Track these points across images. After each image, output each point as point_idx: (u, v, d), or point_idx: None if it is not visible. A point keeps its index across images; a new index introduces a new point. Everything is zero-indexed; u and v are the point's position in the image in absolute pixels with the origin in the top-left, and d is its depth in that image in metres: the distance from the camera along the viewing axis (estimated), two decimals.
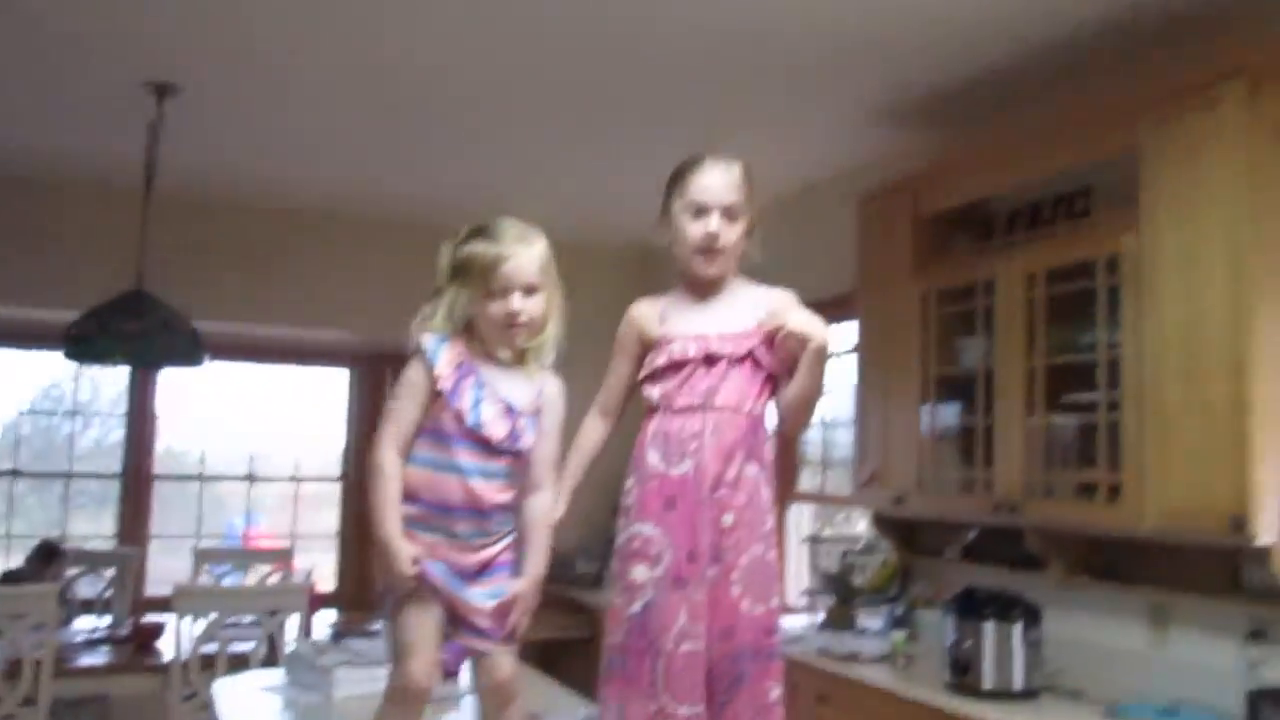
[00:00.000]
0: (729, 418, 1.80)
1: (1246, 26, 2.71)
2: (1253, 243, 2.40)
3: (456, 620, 1.81)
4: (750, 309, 1.87)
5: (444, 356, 1.80)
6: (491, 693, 1.85)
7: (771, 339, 1.84)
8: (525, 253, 1.81)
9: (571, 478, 1.95)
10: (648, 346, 1.92)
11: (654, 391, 1.87)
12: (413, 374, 1.81)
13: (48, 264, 4.79)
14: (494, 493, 1.81)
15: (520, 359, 1.86)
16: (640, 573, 1.79)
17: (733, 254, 1.88)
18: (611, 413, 1.98)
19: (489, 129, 4.00)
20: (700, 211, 1.85)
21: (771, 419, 1.88)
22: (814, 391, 1.84)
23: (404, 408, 1.80)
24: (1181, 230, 2.57)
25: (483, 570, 1.82)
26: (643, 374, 1.89)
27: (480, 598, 1.81)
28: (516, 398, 1.82)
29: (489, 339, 1.83)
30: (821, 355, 1.80)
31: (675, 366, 1.84)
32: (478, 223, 1.85)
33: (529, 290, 1.81)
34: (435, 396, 1.79)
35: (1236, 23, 2.74)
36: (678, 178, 1.90)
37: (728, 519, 1.77)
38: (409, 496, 1.80)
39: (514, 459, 1.82)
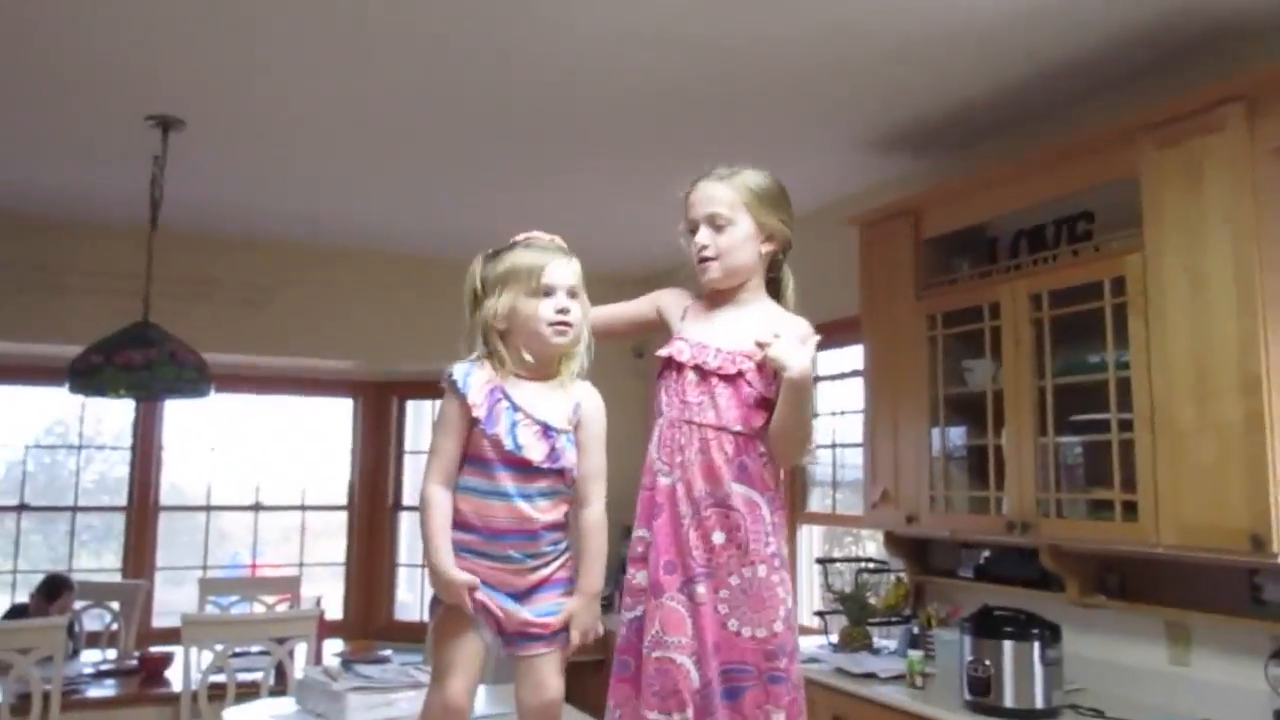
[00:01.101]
0: (714, 437, 1.79)
1: (1245, 50, 2.76)
2: (1260, 261, 2.43)
3: (511, 638, 1.81)
4: (758, 329, 1.84)
5: (474, 384, 1.80)
6: (536, 713, 1.84)
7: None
8: (566, 259, 1.85)
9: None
10: (660, 328, 1.98)
11: (660, 392, 1.89)
12: (447, 408, 1.82)
13: (54, 300, 4.82)
14: (541, 513, 1.81)
15: (552, 372, 1.86)
16: (636, 577, 1.83)
17: (731, 262, 1.88)
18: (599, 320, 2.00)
19: (490, 162, 4.03)
20: (693, 228, 1.90)
21: (766, 444, 1.84)
22: (792, 424, 1.79)
23: (442, 442, 1.81)
24: (1187, 251, 2.59)
25: (535, 589, 1.82)
26: (657, 359, 1.91)
27: (535, 615, 1.81)
28: (553, 416, 1.82)
29: (528, 346, 1.82)
30: (797, 388, 1.74)
31: (674, 367, 1.86)
32: (506, 242, 1.88)
33: (572, 294, 1.83)
34: (472, 424, 1.79)
35: (1234, 46, 2.79)
36: (683, 199, 1.95)
37: (718, 537, 1.77)
38: (460, 525, 1.79)
39: (557, 477, 1.82)
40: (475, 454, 1.80)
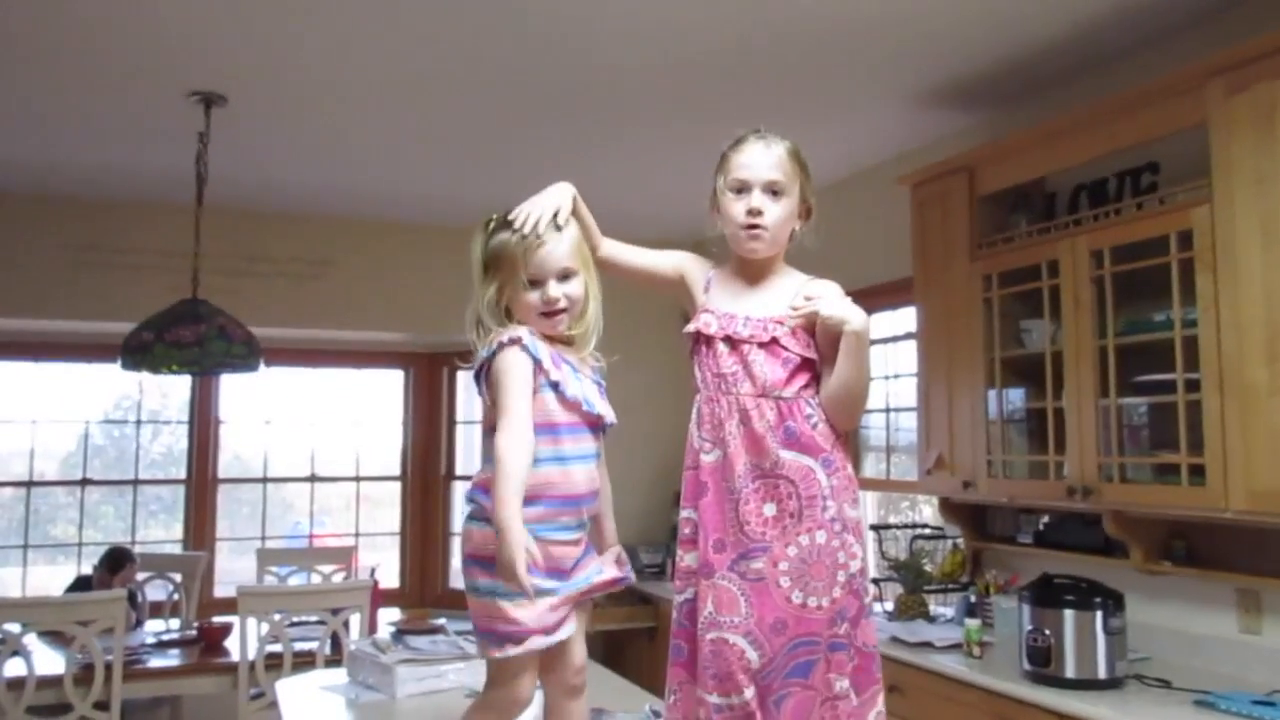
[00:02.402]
0: (754, 406, 1.74)
1: None
2: None
3: (565, 606, 1.75)
4: (786, 297, 1.81)
5: (543, 348, 1.73)
6: (559, 684, 1.82)
7: (808, 327, 1.78)
8: (556, 238, 1.74)
9: None
10: (679, 292, 1.93)
11: (695, 368, 1.84)
12: (517, 370, 1.68)
13: (107, 279, 4.90)
14: (598, 476, 1.80)
15: (568, 344, 1.80)
16: (685, 559, 1.79)
17: (779, 234, 1.82)
18: (605, 250, 1.94)
19: (538, 130, 3.98)
20: (742, 189, 1.80)
21: (818, 403, 1.78)
22: (855, 380, 1.74)
23: (518, 404, 1.66)
24: (1259, 202, 2.46)
25: (578, 561, 1.78)
26: (685, 336, 1.86)
27: (584, 582, 1.78)
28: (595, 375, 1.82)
29: (532, 326, 1.77)
30: (860, 340, 1.71)
31: (704, 341, 1.81)
32: (507, 210, 1.80)
33: (564, 276, 1.74)
34: (536, 390, 1.71)
35: None
36: (722, 158, 1.86)
37: (769, 509, 1.71)
38: (530, 499, 1.65)
39: (603, 436, 1.81)
40: (544, 421, 1.70)
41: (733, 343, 1.78)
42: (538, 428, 1.69)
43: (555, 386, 1.71)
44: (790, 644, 1.68)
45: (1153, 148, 2.95)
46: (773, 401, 1.75)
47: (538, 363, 1.70)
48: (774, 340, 1.76)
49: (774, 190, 1.79)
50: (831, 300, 1.74)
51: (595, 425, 1.77)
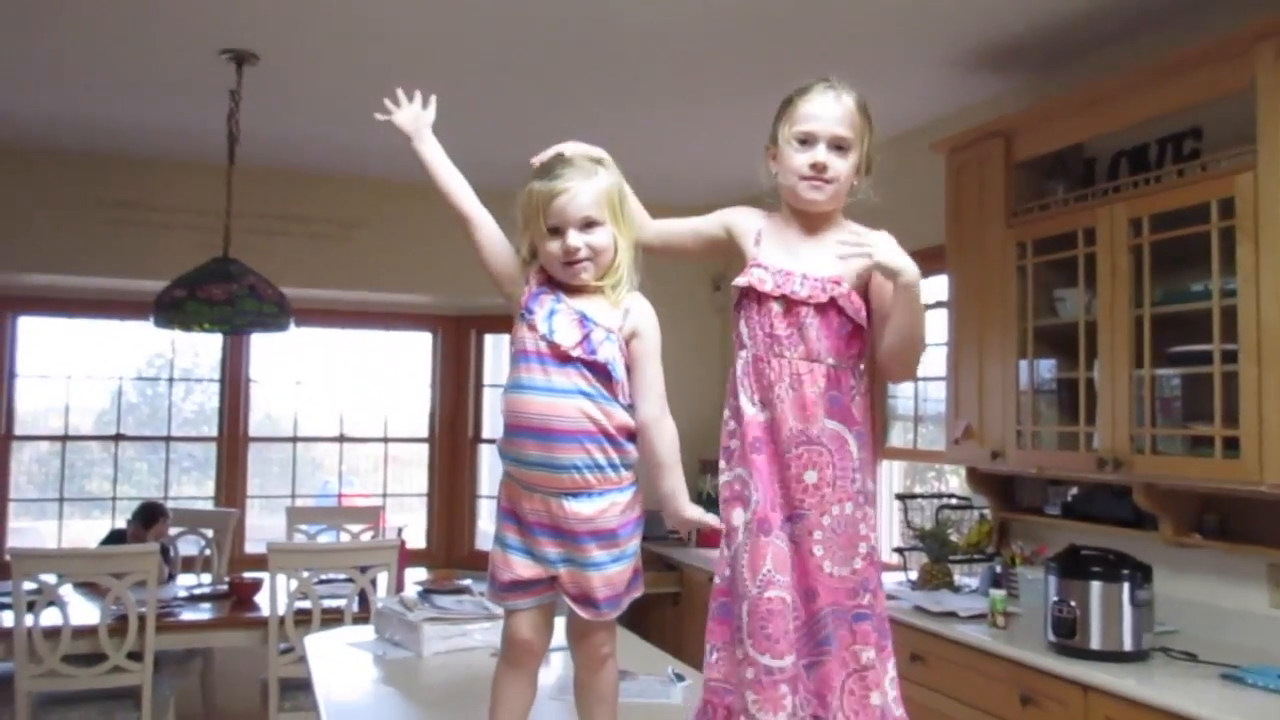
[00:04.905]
0: (807, 369, 1.69)
1: None
2: None
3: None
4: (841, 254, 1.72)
5: (534, 288, 1.71)
6: (583, 654, 1.79)
7: (861, 288, 1.73)
8: (582, 185, 1.67)
9: None
10: (731, 251, 1.84)
11: (740, 323, 1.78)
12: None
13: (140, 236, 4.95)
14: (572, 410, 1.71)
15: (595, 289, 1.71)
16: (736, 516, 1.72)
17: (842, 189, 1.76)
18: (653, 230, 1.88)
19: (573, 91, 3.94)
20: (807, 140, 1.73)
21: (860, 374, 1.75)
22: (912, 330, 1.69)
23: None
24: None
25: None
26: (733, 289, 1.78)
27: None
28: (599, 315, 1.69)
29: (554, 275, 1.71)
30: (915, 290, 1.66)
31: (755, 297, 1.74)
32: (550, 157, 1.76)
33: (586, 225, 1.67)
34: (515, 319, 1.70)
35: None
36: (786, 105, 1.78)
37: (810, 476, 1.68)
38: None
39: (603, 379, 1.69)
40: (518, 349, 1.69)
41: (789, 303, 1.72)
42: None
43: (525, 314, 1.68)
44: (819, 613, 1.68)
45: (1197, 113, 2.88)
46: (824, 367, 1.71)
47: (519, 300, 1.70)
48: (832, 301, 1.71)
49: (839, 146, 1.73)
50: (885, 247, 1.66)
51: (565, 359, 1.64)
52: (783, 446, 1.69)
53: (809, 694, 1.67)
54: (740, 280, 1.76)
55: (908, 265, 1.64)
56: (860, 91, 1.76)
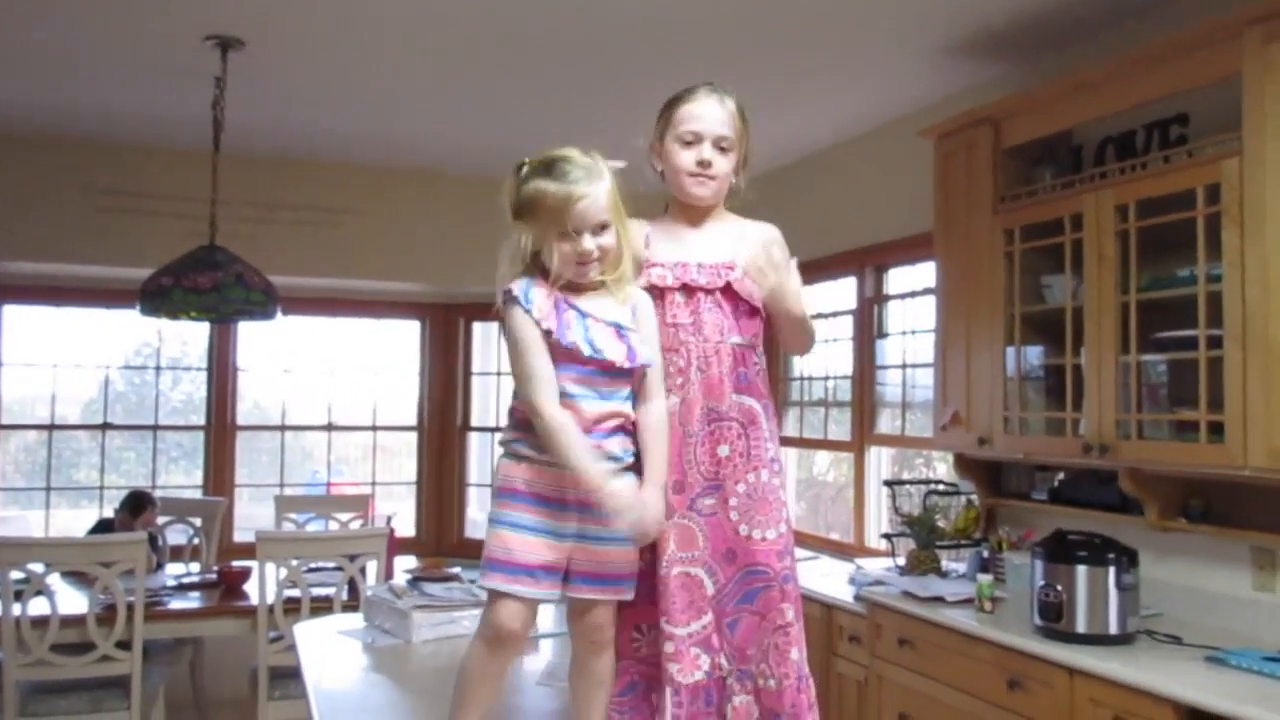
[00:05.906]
0: (712, 350, 1.82)
1: None
2: None
3: (556, 555, 1.74)
4: (732, 241, 1.88)
5: (536, 298, 1.71)
6: (581, 638, 1.80)
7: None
8: (598, 190, 1.72)
9: None
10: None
11: None
12: (520, 327, 1.70)
13: (126, 223, 4.92)
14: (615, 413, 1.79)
15: (597, 284, 1.77)
16: None
17: (724, 185, 1.89)
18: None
19: (558, 81, 3.93)
20: (692, 141, 1.85)
21: (760, 351, 1.88)
22: (802, 326, 1.90)
23: (536, 361, 1.68)
24: None
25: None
26: None
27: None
28: (621, 317, 1.76)
29: (562, 273, 1.74)
30: (800, 316, 1.85)
31: (658, 295, 1.84)
32: (540, 155, 1.77)
33: (601, 228, 1.73)
34: (546, 337, 1.70)
35: None
36: (671, 106, 1.89)
37: (723, 450, 1.80)
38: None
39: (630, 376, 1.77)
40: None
41: (689, 291, 1.84)
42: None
43: (548, 335, 1.71)
44: (740, 573, 1.79)
45: (1184, 99, 2.89)
46: (729, 346, 1.82)
47: (528, 312, 1.70)
48: (728, 285, 1.83)
49: (722, 145, 1.85)
50: (777, 273, 1.82)
51: (608, 369, 1.72)
52: (693, 427, 1.80)
53: (732, 649, 1.78)
54: (640, 282, 1.85)
55: (806, 310, 1.86)
56: (738, 96, 1.90)
